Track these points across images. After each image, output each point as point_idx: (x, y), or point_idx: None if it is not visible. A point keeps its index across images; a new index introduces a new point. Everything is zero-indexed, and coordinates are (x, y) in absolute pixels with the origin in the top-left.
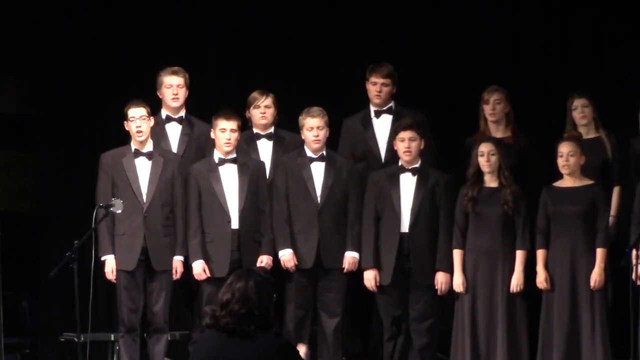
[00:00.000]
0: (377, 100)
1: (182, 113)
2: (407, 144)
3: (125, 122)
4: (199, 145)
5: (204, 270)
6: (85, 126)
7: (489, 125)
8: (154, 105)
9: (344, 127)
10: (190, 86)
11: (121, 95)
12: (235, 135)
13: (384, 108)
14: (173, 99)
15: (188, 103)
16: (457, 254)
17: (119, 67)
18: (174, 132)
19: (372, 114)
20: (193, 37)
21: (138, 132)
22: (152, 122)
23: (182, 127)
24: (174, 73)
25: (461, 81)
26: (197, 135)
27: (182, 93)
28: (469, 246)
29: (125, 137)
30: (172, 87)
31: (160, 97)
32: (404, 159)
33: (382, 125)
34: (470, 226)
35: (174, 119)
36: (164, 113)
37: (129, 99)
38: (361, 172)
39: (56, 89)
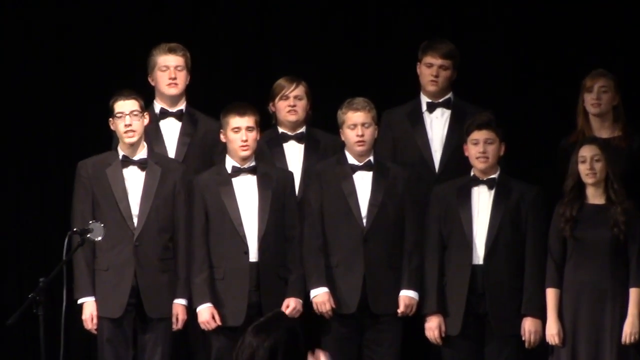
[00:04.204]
0: (431, 88)
1: (182, 106)
2: (482, 148)
3: (110, 119)
4: (203, 149)
5: (213, 317)
6: (56, 125)
7: (590, 122)
8: (146, 97)
9: (383, 122)
10: (193, 69)
11: (104, 84)
12: (252, 135)
13: (440, 100)
14: (170, 84)
15: (189, 92)
16: (551, 294)
17: (99, 45)
18: (170, 131)
19: (424, 107)
20: (197, 5)
21: (128, 132)
22: (146, 119)
23: (182, 125)
24: (171, 51)
25: (554, 65)
26: (202, 136)
27: (182, 77)
28: (567, 283)
29: (109, 140)
30: (169, 69)
31: (153, 84)
32: (477, 167)
33: (436, 123)
34: (569, 256)
35: (171, 114)
36: (157, 106)
37: (115, 90)
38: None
39: (14, 74)
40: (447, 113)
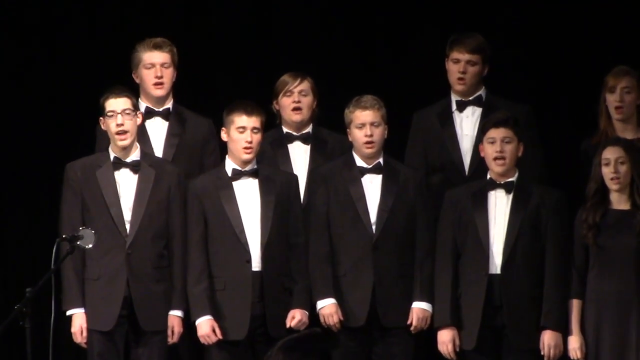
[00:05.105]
0: (459, 86)
1: (169, 104)
2: (499, 147)
3: (101, 118)
4: (193, 150)
5: (213, 331)
6: (43, 124)
7: (613, 123)
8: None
9: (414, 124)
10: (188, 68)
11: (95, 82)
12: (257, 137)
13: (471, 97)
14: (156, 84)
15: (181, 91)
16: (574, 306)
17: (90, 42)
18: (157, 131)
19: (454, 106)
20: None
21: (120, 132)
22: (139, 118)
23: (169, 124)
24: (157, 47)
25: (573, 61)
26: (191, 136)
27: (168, 75)
28: (589, 293)
29: (101, 141)
30: (155, 67)
31: (137, 81)
32: (494, 169)
33: (467, 122)
34: (592, 265)
35: (158, 113)
36: (142, 105)
37: (105, 87)
38: (436, 188)
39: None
40: (478, 111)
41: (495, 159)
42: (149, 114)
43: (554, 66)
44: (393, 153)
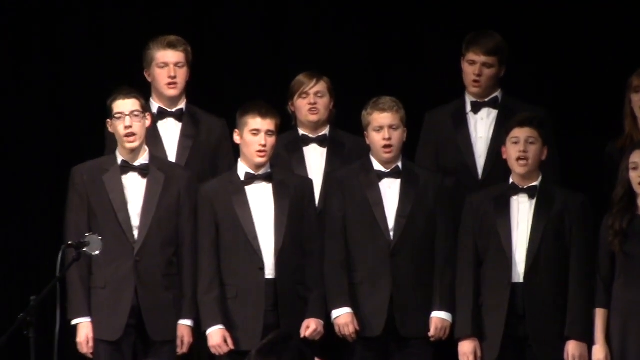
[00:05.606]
0: (473, 89)
1: (182, 105)
2: (523, 147)
3: (108, 120)
4: (207, 153)
5: (225, 341)
6: (47, 126)
7: (638, 125)
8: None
9: (426, 123)
10: (199, 67)
11: (96, 82)
12: (271, 140)
13: (486, 99)
14: (169, 84)
15: (194, 91)
16: (599, 315)
17: (97, 38)
18: (170, 132)
19: (468, 107)
20: None
21: (128, 135)
22: (148, 120)
23: (183, 126)
24: (170, 46)
25: (597, 61)
26: (205, 137)
27: (182, 75)
28: (615, 302)
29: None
30: (168, 66)
31: (150, 80)
32: (516, 170)
33: (481, 124)
34: (618, 273)
35: (170, 114)
36: (154, 105)
37: (109, 88)
38: (451, 192)
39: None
40: (493, 113)
41: (518, 159)
42: (162, 114)
43: (577, 67)
44: (404, 154)
